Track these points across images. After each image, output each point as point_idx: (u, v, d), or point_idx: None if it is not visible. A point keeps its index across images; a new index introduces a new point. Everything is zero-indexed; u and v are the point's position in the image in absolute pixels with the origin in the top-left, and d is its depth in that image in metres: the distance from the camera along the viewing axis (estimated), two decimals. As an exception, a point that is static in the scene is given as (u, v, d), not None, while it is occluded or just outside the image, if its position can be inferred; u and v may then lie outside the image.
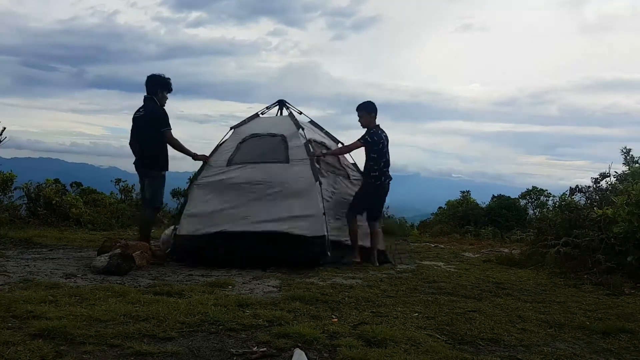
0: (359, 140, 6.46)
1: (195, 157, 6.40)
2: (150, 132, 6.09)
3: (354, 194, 6.59)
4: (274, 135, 6.39)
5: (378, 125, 6.53)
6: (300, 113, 7.21)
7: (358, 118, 6.57)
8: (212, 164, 6.24)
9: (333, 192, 6.30)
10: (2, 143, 8.30)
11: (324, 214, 5.58)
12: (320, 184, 5.76)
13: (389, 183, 6.56)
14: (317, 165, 6.13)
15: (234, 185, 5.93)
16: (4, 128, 8.24)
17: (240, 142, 6.37)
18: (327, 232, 5.56)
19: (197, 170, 6.58)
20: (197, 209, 5.92)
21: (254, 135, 6.44)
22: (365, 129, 6.53)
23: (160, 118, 6.14)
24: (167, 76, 6.28)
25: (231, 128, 6.75)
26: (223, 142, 6.59)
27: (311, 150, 6.20)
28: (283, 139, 6.26)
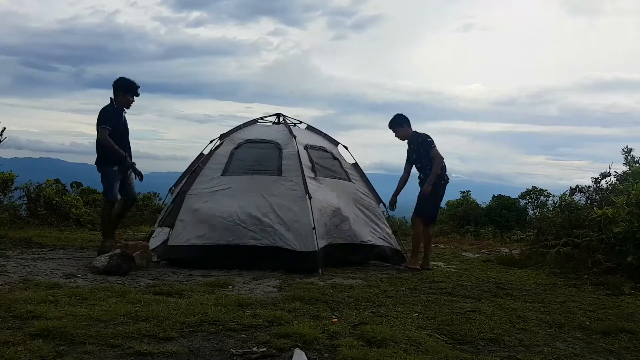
0: (431, 150, 6.27)
1: (124, 159, 6.24)
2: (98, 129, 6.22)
3: (359, 191, 6.58)
4: (268, 142, 6.35)
5: (414, 131, 6.47)
6: (300, 122, 7.19)
7: (394, 134, 6.53)
8: (206, 174, 6.12)
9: (339, 197, 6.21)
10: (2, 143, 8.30)
11: (314, 228, 5.46)
12: (310, 197, 5.65)
13: (444, 185, 6.42)
14: (313, 173, 6.09)
15: (227, 196, 5.82)
16: (4, 128, 8.25)
17: (235, 148, 6.31)
18: (318, 247, 5.44)
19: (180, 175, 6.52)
20: (190, 220, 5.74)
21: (248, 142, 6.40)
22: (406, 140, 6.49)
23: (100, 116, 6.18)
24: (132, 80, 6.33)
25: (220, 136, 6.67)
26: (217, 148, 6.51)
27: (307, 156, 6.18)
28: (277, 146, 6.23)
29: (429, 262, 6.42)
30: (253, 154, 6.26)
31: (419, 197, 6.41)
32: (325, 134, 7.23)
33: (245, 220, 5.64)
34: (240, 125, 6.81)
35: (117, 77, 6.33)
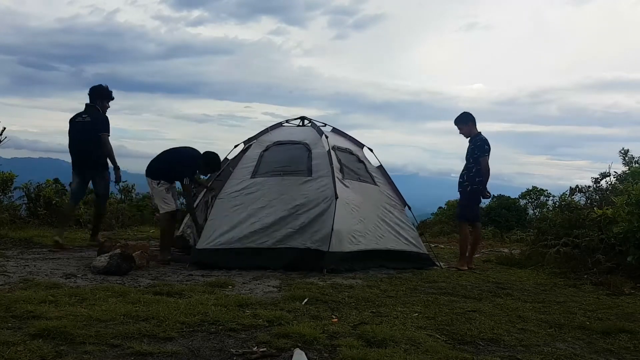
0: (481, 156, 6.40)
1: (116, 170, 6.81)
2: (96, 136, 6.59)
3: (384, 195, 6.59)
4: (297, 142, 6.39)
5: (479, 132, 6.58)
6: (325, 125, 7.18)
7: (458, 131, 6.67)
8: (236, 177, 6.14)
9: (364, 200, 6.23)
10: (2, 143, 8.30)
11: (332, 229, 5.52)
12: (337, 198, 5.69)
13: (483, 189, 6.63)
14: (341, 175, 6.10)
15: (256, 199, 5.88)
16: (4, 128, 8.24)
17: (263, 150, 6.34)
18: (330, 248, 5.49)
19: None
20: (220, 224, 5.77)
21: (277, 143, 6.43)
22: (469, 138, 6.61)
23: (102, 123, 6.67)
24: (107, 87, 6.85)
25: (246, 141, 6.74)
26: (245, 151, 6.55)
27: (336, 157, 6.18)
28: (306, 146, 6.27)
29: (472, 262, 6.61)
30: (282, 155, 6.30)
31: (460, 201, 6.69)
32: (350, 137, 7.19)
33: (272, 222, 5.69)
34: (267, 128, 6.85)
35: (93, 86, 6.83)
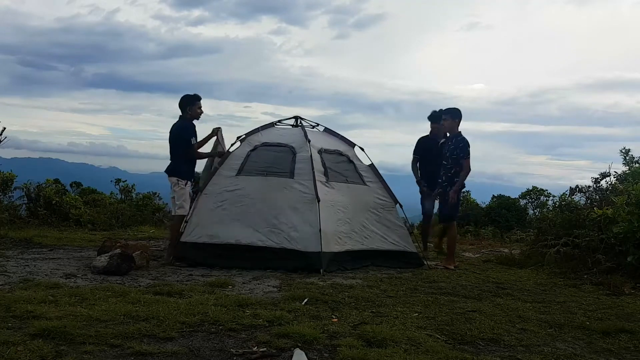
0: (464, 158, 6.40)
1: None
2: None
3: (373, 195, 6.60)
4: (283, 145, 6.47)
5: (460, 132, 6.58)
6: (317, 125, 7.24)
7: (441, 122, 6.69)
8: (221, 173, 6.25)
9: (350, 202, 6.29)
10: (2, 143, 8.30)
11: (320, 230, 5.59)
12: (319, 200, 5.79)
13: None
14: (325, 177, 6.19)
15: (240, 197, 6.00)
16: (4, 128, 8.25)
17: (251, 150, 6.42)
18: (322, 248, 5.55)
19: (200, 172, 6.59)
20: (203, 219, 5.92)
21: (264, 144, 6.52)
22: (447, 134, 6.67)
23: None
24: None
25: (238, 138, 6.77)
26: (235, 149, 6.61)
27: (320, 160, 6.25)
28: (292, 150, 6.36)
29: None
30: (268, 156, 6.39)
31: (444, 201, 6.59)
32: (342, 136, 7.25)
33: (256, 222, 5.80)
34: (258, 128, 6.89)
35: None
